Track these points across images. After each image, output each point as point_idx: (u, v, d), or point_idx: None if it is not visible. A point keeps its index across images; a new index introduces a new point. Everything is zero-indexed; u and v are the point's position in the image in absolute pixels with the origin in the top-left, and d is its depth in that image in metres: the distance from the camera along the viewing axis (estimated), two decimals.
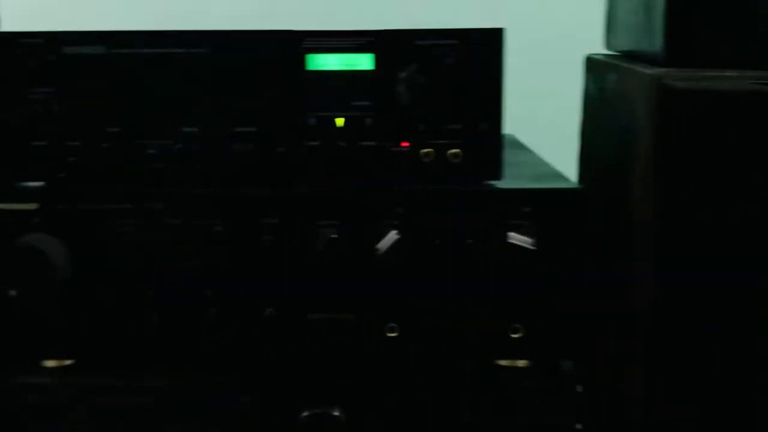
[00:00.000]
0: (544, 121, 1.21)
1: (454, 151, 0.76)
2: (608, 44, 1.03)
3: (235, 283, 0.77)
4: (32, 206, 0.76)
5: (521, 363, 0.81)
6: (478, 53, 0.75)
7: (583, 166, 1.05)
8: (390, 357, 0.79)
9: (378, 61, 0.75)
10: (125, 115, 0.76)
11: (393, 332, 0.78)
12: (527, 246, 0.75)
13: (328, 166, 0.76)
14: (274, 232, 0.76)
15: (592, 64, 1.03)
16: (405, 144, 0.76)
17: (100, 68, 0.75)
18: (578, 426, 0.83)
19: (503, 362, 0.80)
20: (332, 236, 0.75)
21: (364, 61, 0.76)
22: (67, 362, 0.80)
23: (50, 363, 0.80)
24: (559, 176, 0.85)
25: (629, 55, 0.93)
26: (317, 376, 0.80)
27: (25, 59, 0.74)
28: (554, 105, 1.19)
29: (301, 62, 0.75)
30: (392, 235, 0.75)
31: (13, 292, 0.75)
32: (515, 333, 0.78)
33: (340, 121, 0.76)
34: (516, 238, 0.75)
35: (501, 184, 0.77)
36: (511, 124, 0.81)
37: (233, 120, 0.76)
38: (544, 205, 0.76)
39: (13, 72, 0.75)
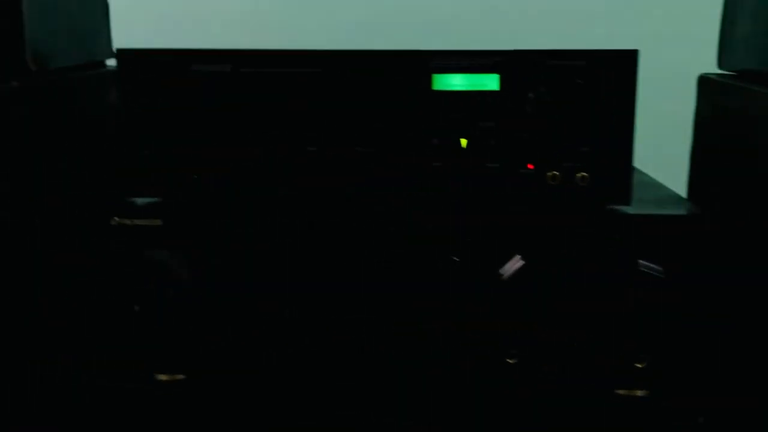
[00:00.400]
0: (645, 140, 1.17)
1: (581, 174, 0.74)
2: (724, 63, 0.99)
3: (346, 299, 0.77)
4: (156, 222, 0.77)
5: (640, 393, 0.79)
6: (611, 75, 0.73)
7: (695, 187, 1.02)
8: (509, 383, 0.78)
9: (504, 82, 0.74)
10: (250, 134, 0.76)
11: (513, 358, 0.77)
12: (658, 275, 0.73)
13: (450, 188, 0.76)
14: (396, 253, 0.76)
15: (706, 83, 1.00)
16: (530, 166, 0.75)
17: (227, 87, 0.75)
18: None
19: (622, 391, 0.79)
20: (454, 259, 0.74)
21: (490, 82, 0.75)
22: (179, 377, 0.81)
23: (162, 377, 0.81)
24: (682, 201, 0.82)
25: (750, 74, 0.90)
26: (436, 403, 0.79)
27: (155, 76, 0.75)
28: (656, 124, 1.16)
29: (428, 82, 0.75)
30: (516, 260, 0.74)
31: (136, 307, 0.76)
32: (639, 363, 0.76)
33: (464, 142, 0.75)
34: (647, 266, 0.73)
35: (631, 209, 0.76)
36: None
37: (354, 140, 0.76)
38: (677, 232, 0.74)
39: (142, 88, 0.76)
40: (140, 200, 0.78)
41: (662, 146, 1.02)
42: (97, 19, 0.95)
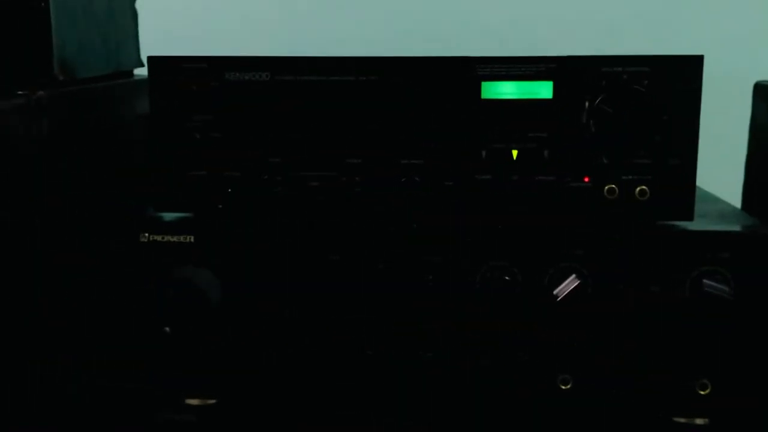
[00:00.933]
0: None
1: (641, 188, 0.69)
2: None
3: (393, 321, 0.72)
4: (189, 238, 0.73)
5: (700, 421, 0.74)
6: (674, 82, 0.68)
7: (751, 199, 0.97)
8: (562, 410, 0.73)
9: (557, 90, 0.69)
10: (287, 145, 0.72)
11: (566, 384, 0.72)
12: (724, 295, 0.68)
13: (500, 202, 0.71)
14: (438, 271, 0.71)
15: (764, 91, 0.95)
16: (586, 179, 0.70)
17: (264, 95, 0.72)
18: None
19: (681, 419, 0.73)
20: (506, 278, 0.70)
21: (542, 89, 0.70)
22: (210, 401, 0.77)
23: (193, 401, 0.77)
24: (746, 217, 0.77)
25: None
26: (483, 428, 0.75)
27: (187, 84, 0.72)
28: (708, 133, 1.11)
29: (476, 90, 0.70)
30: (572, 280, 0.69)
31: (167, 329, 0.72)
32: (703, 389, 0.71)
33: (515, 154, 0.71)
34: (712, 286, 0.68)
35: (693, 225, 0.71)
36: None
37: (400, 151, 0.71)
38: (744, 250, 0.69)
39: (174, 97, 0.72)
40: (171, 215, 0.75)
41: (715, 157, 0.97)
42: (125, 28, 0.92)
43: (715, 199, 0.86)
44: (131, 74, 0.92)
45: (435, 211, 0.72)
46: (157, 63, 0.72)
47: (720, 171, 0.97)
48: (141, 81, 0.87)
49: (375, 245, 0.72)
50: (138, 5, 0.95)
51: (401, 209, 0.72)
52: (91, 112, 0.80)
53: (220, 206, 0.73)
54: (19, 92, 0.69)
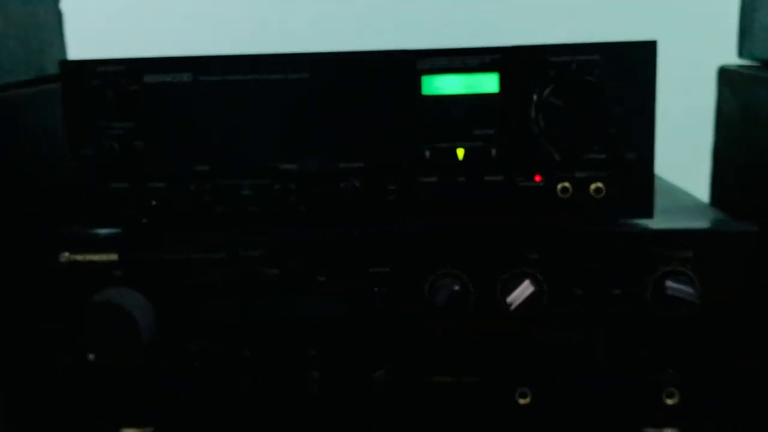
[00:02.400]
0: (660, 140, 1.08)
1: (596, 185, 0.65)
2: (745, 52, 0.90)
3: (341, 340, 0.67)
4: (112, 257, 0.68)
5: (669, 431, 0.69)
6: (627, 70, 0.63)
7: (719, 191, 0.92)
8: (520, 427, 0.68)
9: (504, 82, 0.65)
10: (215, 152, 0.66)
11: (524, 398, 0.67)
12: (689, 298, 0.63)
13: (447, 206, 0.66)
14: (385, 282, 0.67)
15: (729, 75, 0.90)
16: (538, 178, 0.65)
17: (187, 98, 0.66)
18: None
19: (650, 430, 0.69)
20: (455, 288, 0.65)
21: (488, 83, 0.65)
22: (148, 430, 0.71)
23: (129, 431, 0.72)
24: (712, 211, 0.73)
25: None
26: None
27: (103, 90, 0.66)
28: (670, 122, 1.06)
29: (416, 85, 0.65)
30: (526, 286, 0.64)
31: (91, 356, 0.67)
32: (670, 398, 0.67)
33: (460, 153, 0.66)
34: (675, 289, 0.64)
35: (653, 223, 0.66)
36: None
37: (337, 155, 0.66)
38: (710, 249, 0.64)
39: (90, 104, 0.66)
40: (92, 232, 0.69)
41: (678, 146, 0.93)
42: (48, 30, 0.86)
43: (680, 192, 0.82)
44: (56, 79, 0.86)
45: (377, 217, 0.67)
46: (69, 67, 0.67)
47: (686, 161, 0.93)
48: None
49: (315, 257, 0.67)
50: (64, 6, 0.89)
51: (341, 217, 0.67)
52: (5, 121, 0.74)
53: (145, 220, 0.68)
54: None
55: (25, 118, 0.78)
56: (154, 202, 0.67)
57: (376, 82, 0.65)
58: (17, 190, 0.75)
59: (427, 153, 0.66)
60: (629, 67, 0.63)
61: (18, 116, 0.77)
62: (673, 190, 0.82)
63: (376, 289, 0.66)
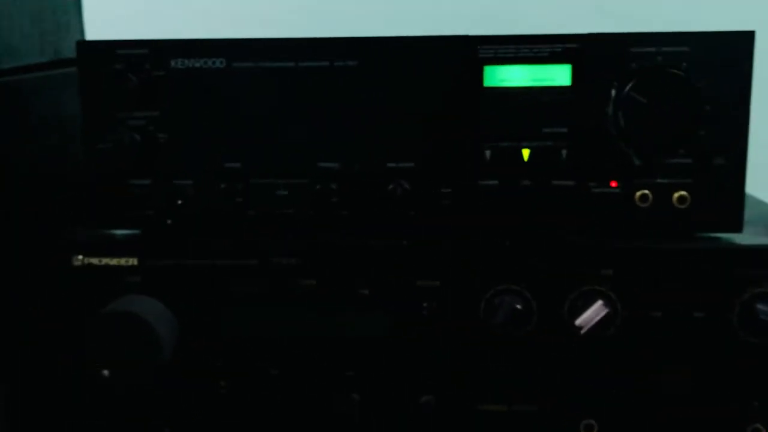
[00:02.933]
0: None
1: (680, 193, 0.57)
2: None
3: (384, 361, 0.60)
4: (131, 261, 0.61)
5: None
6: (720, 64, 0.56)
7: None
8: None
9: (578, 75, 0.57)
10: (249, 147, 0.60)
11: (590, 431, 0.60)
12: None
13: (508, 213, 0.59)
14: (435, 297, 0.59)
15: None
16: (614, 184, 0.58)
17: (219, 87, 0.59)
18: None
19: None
20: (516, 306, 0.58)
21: (559, 75, 0.58)
22: None
23: None
24: None
25: None
26: None
27: (125, 76, 0.59)
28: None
29: (477, 76, 0.58)
30: (597, 307, 0.57)
31: (105, 372, 0.60)
32: None
33: (526, 153, 0.58)
34: (766, 312, 0.56)
35: (742, 238, 0.59)
36: None
37: (385, 153, 0.59)
38: None
39: (109, 91, 0.59)
40: (110, 233, 0.62)
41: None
42: (65, 10, 0.79)
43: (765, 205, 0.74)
44: (73, 63, 0.80)
45: (428, 224, 0.60)
46: (86, 49, 0.60)
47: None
48: None
49: (357, 267, 0.59)
50: None
51: (388, 223, 0.60)
52: (16, 108, 0.67)
53: (170, 222, 0.61)
54: None
55: (38, 106, 0.71)
56: (179, 202, 0.60)
57: (432, 72, 0.58)
58: (27, 186, 0.68)
59: (488, 153, 0.58)
60: (723, 61, 0.56)
61: (29, 103, 0.70)
62: (761, 205, 0.74)
63: (424, 304, 0.59)
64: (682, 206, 0.58)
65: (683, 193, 0.57)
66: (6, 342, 0.64)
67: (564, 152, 0.58)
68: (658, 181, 0.58)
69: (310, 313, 0.60)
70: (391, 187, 0.59)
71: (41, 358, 0.65)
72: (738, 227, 0.58)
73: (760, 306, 0.56)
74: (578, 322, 0.57)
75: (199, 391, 0.61)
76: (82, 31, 0.84)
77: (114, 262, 0.60)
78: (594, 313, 0.57)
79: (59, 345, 0.62)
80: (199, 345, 0.60)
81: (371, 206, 0.59)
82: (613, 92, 0.57)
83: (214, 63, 0.59)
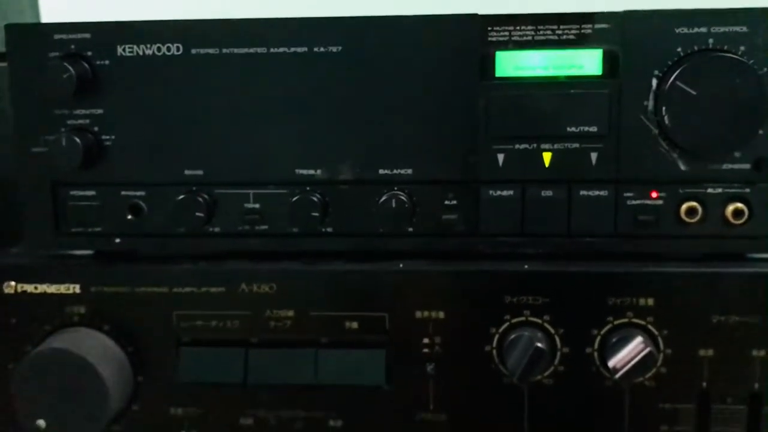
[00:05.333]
0: None
1: (735, 206, 0.48)
2: None
3: (374, 410, 0.50)
4: (73, 288, 0.51)
5: None
6: None
7: None
8: None
9: (610, 61, 0.47)
10: (212, 151, 0.50)
11: None
12: None
13: (526, 229, 0.49)
14: (438, 331, 0.49)
15: None
16: (654, 194, 0.48)
17: (175, 78, 0.49)
18: None
19: None
20: (536, 345, 0.48)
21: (588, 62, 0.48)
22: None
23: None
24: None
25: None
26: None
27: (63, 66, 0.49)
28: None
29: (488, 64, 0.48)
30: (637, 345, 0.47)
31: (41, 423, 0.50)
32: None
33: (547, 157, 0.49)
34: None
35: None
36: None
37: (377, 157, 0.49)
38: None
39: (45, 84, 0.49)
40: (48, 254, 0.53)
41: None
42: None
43: None
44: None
45: (430, 243, 0.50)
46: (18, 35, 0.50)
47: None
48: None
49: (344, 295, 0.50)
50: None
51: (379, 242, 0.50)
52: None
53: (118, 240, 0.51)
54: None
55: None
56: (129, 217, 0.51)
57: (433, 60, 0.48)
58: None
59: (501, 157, 0.49)
60: None
61: None
62: None
63: (425, 340, 0.50)
64: (738, 221, 0.48)
65: (739, 205, 0.48)
66: None
67: (593, 156, 0.48)
68: (709, 190, 0.48)
69: (288, 352, 0.50)
70: (384, 198, 0.49)
71: None
72: None
73: None
74: (612, 362, 0.47)
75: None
76: (36, 15, 0.74)
77: (52, 289, 0.51)
78: (632, 351, 0.47)
79: None
80: (156, 390, 0.51)
81: (361, 221, 0.50)
82: (655, 83, 0.47)
83: (169, 49, 0.49)
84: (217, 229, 0.50)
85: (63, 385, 0.49)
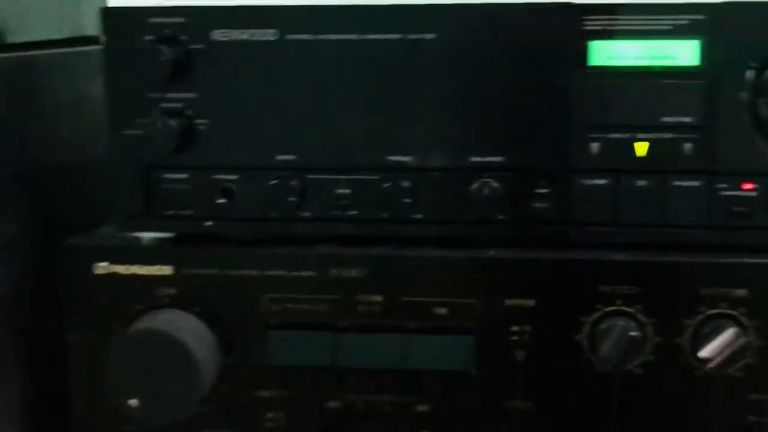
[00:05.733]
0: None
1: None
2: None
3: (463, 395, 0.50)
4: (164, 270, 0.52)
5: None
6: None
7: None
8: None
9: (707, 52, 0.47)
10: (305, 136, 0.50)
11: None
12: None
13: (619, 219, 0.49)
14: (528, 320, 0.49)
15: None
16: (749, 186, 0.48)
17: (270, 63, 0.49)
18: None
19: None
20: (630, 334, 0.48)
21: (684, 52, 0.47)
22: None
23: None
24: None
25: None
26: None
27: (158, 49, 0.49)
28: None
29: (581, 54, 0.48)
30: (730, 336, 0.47)
31: (134, 402, 0.51)
32: None
33: (641, 148, 0.49)
34: None
35: None
36: None
37: (469, 145, 0.49)
38: None
39: (139, 68, 0.49)
40: (139, 237, 0.54)
41: None
42: None
43: None
44: (94, 40, 0.71)
45: (521, 230, 0.50)
46: (113, 18, 0.50)
47: None
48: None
49: (433, 281, 0.50)
50: None
51: (470, 229, 0.50)
52: (26, 89, 0.58)
53: (209, 224, 0.52)
54: None
55: (53, 88, 0.62)
56: (220, 201, 0.52)
57: (526, 48, 0.48)
58: (39, 181, 0.59)
59: (594, 146, 0.49)
60: None
61: (43, 85, 0.61)
62: None
63: (514, 328, 0.50)
64: None
65: None
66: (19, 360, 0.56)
67: (688, 146, 0.48)
68: None
69: (376, 336, 0.51)
70: (475, 186, 0.49)
71: (56, 382, 0.56)
72: None
73: None
74: (704, 353, 0.47)
75: (241, 427, 0.52)
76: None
77: (143, 270, 0.52)
78: (724, 342, 0.47)
79: (77, 369, 0.53)
80: (244, 372, 0.52)
81: (451, 209, 0.50)
82: (754, 74, 0.47)
83: (264, 35, 0.50)
84: (307, 214, 0.51)
85: (159, 366, 0.49)
